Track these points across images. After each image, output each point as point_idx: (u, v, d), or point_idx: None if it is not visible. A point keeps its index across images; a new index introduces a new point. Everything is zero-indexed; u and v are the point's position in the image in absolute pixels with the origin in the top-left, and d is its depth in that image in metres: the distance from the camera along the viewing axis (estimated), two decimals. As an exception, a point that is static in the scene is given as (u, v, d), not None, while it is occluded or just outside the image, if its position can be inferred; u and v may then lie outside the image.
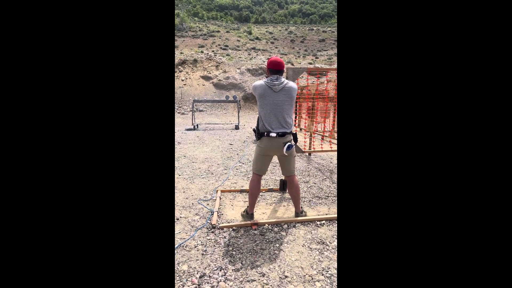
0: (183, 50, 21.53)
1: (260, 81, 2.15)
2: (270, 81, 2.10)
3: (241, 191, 3.08)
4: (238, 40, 29.22)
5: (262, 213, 2.54)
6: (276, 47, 28.58)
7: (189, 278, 1.63)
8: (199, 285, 1.57)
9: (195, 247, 1.96)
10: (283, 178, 3.09)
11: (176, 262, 1.77)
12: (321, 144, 5.23)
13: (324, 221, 2.35)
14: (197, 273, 1.67)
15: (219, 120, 11.40)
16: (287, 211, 2.58)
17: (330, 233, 2.18)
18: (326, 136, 5.78)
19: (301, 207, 2.47)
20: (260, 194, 2.97)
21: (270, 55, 23.34)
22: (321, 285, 1.59)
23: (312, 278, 1.65)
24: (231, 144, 5.97)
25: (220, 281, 1.60)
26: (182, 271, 1.69)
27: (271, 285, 1.58)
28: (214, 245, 1.98)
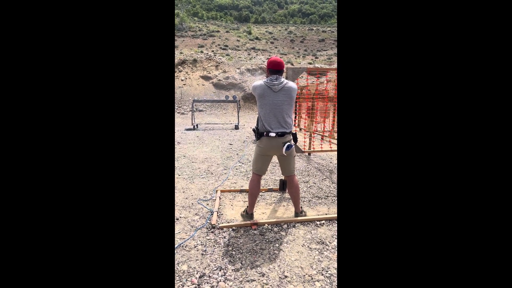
0: (183, 50, 21.53)
1: (260, 81, 2.14)
2: (269, 81, 2.10)
3: (241, 191, 3.08)
4: (238, 40, 29.21)
5: (261, 213, 2.54)
6: (276, 47, 28.58)
7: (188, 278, 1.63)
8: (198, 285, 1.57)
9: (195, 247, 1.96)
10: (282, 178, 3.09)
11: (175, 262, 1.77)
12: (321, 144, 5.24)
13: (323, 221, 2.35)
14: (197, 273, 1.67)
15: (218, 120, 11.40)
16: (286, 211, 2.58)
17: (329, 233, 2.18)
18: (325, 136, 5.79)
19: (301, 207, 2.47)
20: (260, 194, 2.97)
21: (269, 55, 23.35)
22: (321, 285, 1.59)
23: (312, 278, 1.65)
24: (230, 144, 5.97)
25: (220, 281, 1.60)
26: (181, 271, 1.69)
27: (270, 285, 1.58)
28: (214, 245, 1.98)
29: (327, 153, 4.98)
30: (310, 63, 22.38)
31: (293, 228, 2.24)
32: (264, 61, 19.23)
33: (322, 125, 5.95)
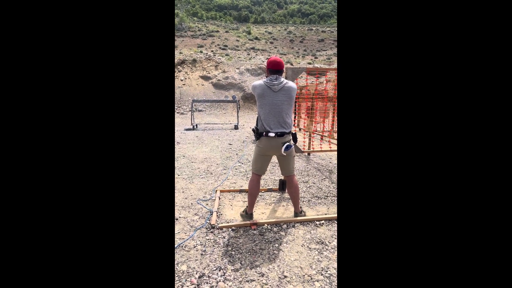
0: (182, 50, 21.52)
1: (259, 81, 2.14)
2: (269, 81, 2.10)
3: (240, 191, 3.08)
4: (237, 40, 29.21)
5: (261, 213, 2.54)
6: (275, 47, 28.58)
7: (188, 278, 1.63)
8: (198, 285, 1.57)
9: (194, 247, 1.95)
10: (282, 178, 3.09)
11: (175, 262, 1.77)
12: (320, 144, 5.24)
13: (323, 221, 2.35)
14: (196, 273, 1.67)
15: (218, 120, 11.40)
16: (286, 211, 2.58)
17: (329, 233, 2.18)
18: (325, 136, 5.79)
19: (300, 207, 2.47)
20: (260, 194, 2.97)
21: (269, 55, 23.35)
22: (320, 285, 1.59)
23: (311, 278, 1.65)
24: (230, 144, 5.97)
25: (219, 281, 1.60)
26: (181, 271, 1.69)
27: (270, 285, 1.58)
28: (213, 245, 1.98)
29: (326, 153, 4.98)
30: (309, 63, 22.39)
31: (293, 228, 2.24)
32: (263, 61, 19.23)
33: (321, 125, 5.96)
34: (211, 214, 2.45)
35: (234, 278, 1.63)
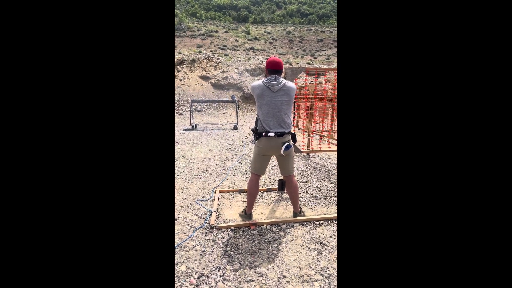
0: (181, 50, 21.50)
1: (259, 81, 2.14)
2: (268, 81, 2.10)
3: (240, 191, 3.08)
4: (237, 40, 29.20)
5: (260, 213, 2.54)
6: (275, 47, 28.59)
7: (187, 278, 1.62)
8: (197, 285, 1.57)
9: (193, 247, 1.95)
10: (281, 178, 3.09)
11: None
12: (320, 144, 5.24)
13: (322, 221, 2.35)
14: (195, 274, 1.66)
15: (217, 120, 11.39)
16: (285, 211, 2.58)
17: (328, 233, 2.18)
18: (324, 136, 5.79)
19: (300, 207, 2.47)
20: (259, 194, 2.97)
21: (268, 55, 23.35)
22: (320, 285, 1.59)
23: (311, 278, 1.65)
24: (229, 144, 5.96)
25: (219, 281, 1.60)
26: (180, 271, 1.69)
27: (269, 285, 1.58)
28: (213, 246, 1.97)
29: (325, 153, 4.99)
30: (308, 63, 22.41)
31: (292, 228, 2.24)
32: (262, 61, 19.23)
33: (320, 125, 5.96)
34: (210, 214, 2.44)
35: (233, 279, 1.63)
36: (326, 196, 3.01)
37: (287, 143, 2.13)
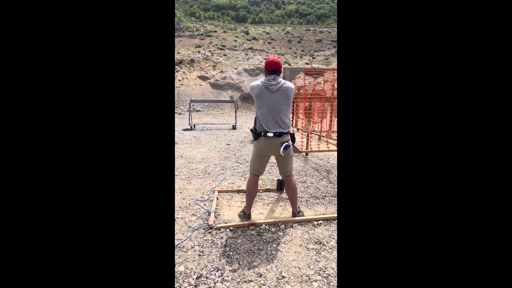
0: (180, 50, 21.48)
1: (257, 82, 2.14)
2: (267, 81, 2.10)
3: (238, 191, 3.07)
4: (235, 40, 29.20)
5: (259, 213, 2.53)
6: (273, 47, 28.61)
7: (185, 279, 1.62)
8: (196, 286, 1.56)
9: (192, 248, 1.95)
10: (280, 178, 3.09)
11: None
12: (318, 144, 5.25)
13: (321, 221, 2.36)
14: (194, 274, 1.66)
15: (216, 120, 11.39)
16: (284, 211, 2.58)
17: (327, 233, 2.19)
18: (323, 136, 5.80)
19: (298, 207, 2.47)
20: (258, 194, 2.96)
21: (267, 55, 23.36)
22: (318, 285, 1.59)
23: (310, 278, 1.65)
24: (228, 144, 5.96)
25: (217, 282, 1.60)
26: (179, 272, 1.68)
27: (268, 286, 1.58)
28: (211, 246, 1.97)
29: (324, 153, 4.99)
30: (307, 64, 22.43)
31: (291, 228, 2.24)
32: (261, 61, 19.24)
33: (319, 125, 5.97)
34: (209, 215, 2.44)
35: (232, 279, 1.63)
36: (324, 196, 3.01)
37: (286, 143, 2.13)
